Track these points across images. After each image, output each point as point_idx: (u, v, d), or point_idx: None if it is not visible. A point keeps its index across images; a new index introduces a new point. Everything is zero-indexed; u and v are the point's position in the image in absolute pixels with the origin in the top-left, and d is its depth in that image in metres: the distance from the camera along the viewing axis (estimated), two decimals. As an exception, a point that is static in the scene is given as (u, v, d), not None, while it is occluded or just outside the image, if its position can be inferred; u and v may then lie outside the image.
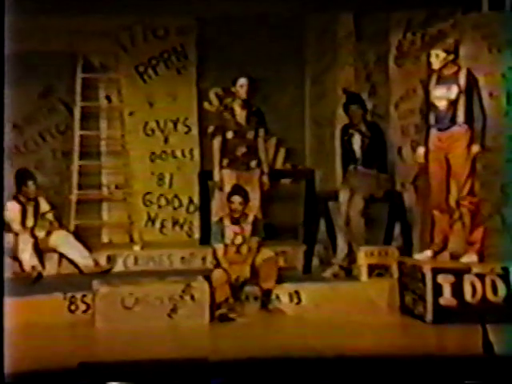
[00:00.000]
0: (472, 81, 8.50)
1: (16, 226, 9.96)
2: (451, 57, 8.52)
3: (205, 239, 10.35)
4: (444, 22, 9.27)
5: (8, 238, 9.97)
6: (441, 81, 8.56)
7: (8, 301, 8.73)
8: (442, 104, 8.54)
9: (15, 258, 9.87)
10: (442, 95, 8.53)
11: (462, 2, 9.19)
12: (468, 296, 8.44)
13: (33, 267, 9.78)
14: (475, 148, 8.45)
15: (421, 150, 8.80)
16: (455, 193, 8.72)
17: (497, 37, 8.93)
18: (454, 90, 8.47)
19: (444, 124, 8.57)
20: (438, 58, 8.55)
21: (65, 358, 7.09)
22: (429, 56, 8.65)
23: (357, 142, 9.70)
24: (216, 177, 10.08)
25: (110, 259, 10.27)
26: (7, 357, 7.28)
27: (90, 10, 9.89)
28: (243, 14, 10.29)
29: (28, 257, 9.82)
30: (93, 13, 10.07)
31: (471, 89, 8.45)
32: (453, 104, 8.50)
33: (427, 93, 8.66)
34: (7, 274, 9.85)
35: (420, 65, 9.43)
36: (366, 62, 10.39)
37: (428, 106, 8.65)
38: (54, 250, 10.08)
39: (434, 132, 8.63)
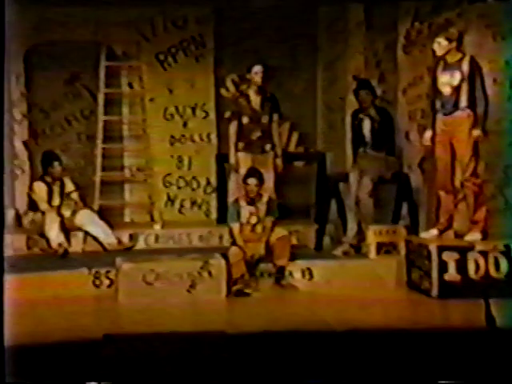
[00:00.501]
0: (475, 67, 8.45)
1: (43, 205, 10.00)
2: (453, 44, 8.49)
3: (222, 219, 10.36)
4: (450, 11, 9.22)
5: (36, 217, 10.05)
6: (446, 67, 8.54)
7: (36, 275, 8.87)
8: (446, 90, 8.53)
9: (42, 236, 9.92)
10: (446, 81, 8.52)
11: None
12: (472, 272, 8.41)
13: (59, 244, 9.81)
14: (476, 132, 8.42)
15: (428, 134, 8.79)
16: (459, 174, 8.69)
17: (501, 26, 8.88)
18: (457, 77, 8.45)
19: (448, 109, 8.55)
20: (440, 45, 8.53)
21: (90, 330, 7.13)
22: (433, 43, 8.65)
23: (366, 126, 9.68)
24: (232, 159, 10.06)
25: (132, 237, 10.30)
26: (35, 328, 7.33)
27: (114, 2, 9.90)
28: (259, 6, 10.27)
29: (55, 234, 9.84)
30: (116, 4, 10.09)
31: (474, 75, 8.42)
32: (456, 90, 8.48)
33: (434, 79, 8.64)
34: (36, 250, 10.02)
35: (427, 53, 9.35)
36: (376, 51, 10.36)
37: (435, 91, 8.63)
38: (80, 229, 10.11)
39: (439, 117, 8.63)
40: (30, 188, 10.30)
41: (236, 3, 10.18)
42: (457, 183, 8.70)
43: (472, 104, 8.43)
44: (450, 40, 8.48)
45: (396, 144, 9.92)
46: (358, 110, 9.81)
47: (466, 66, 8.45)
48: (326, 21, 11.02)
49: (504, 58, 8.96)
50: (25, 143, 10.86)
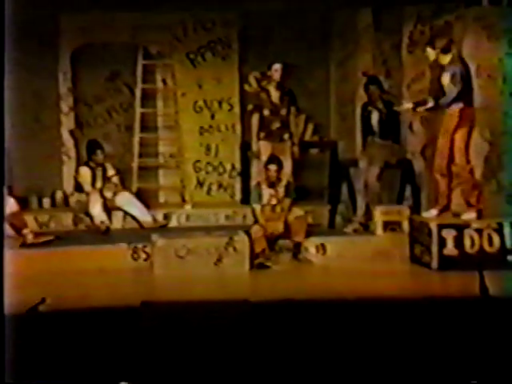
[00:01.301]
0: (463, 67, 8.50)
1: (87, 188, 10.02)
2: (437, 50, 8.52)
3: (245, 200, 10.38)
4: (449, 14, 9.16)
5: (81, 197, 10.10)
6: (443, 69, 8.57)
7: (80, 249, 8.92)
8: (444, 88, 8.57)
9: (87, 214, 9.96)
10: (442, 81, 8.54)
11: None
12: (468, 247, 8.40)
13: (102, 222, 9.84)
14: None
15: (408, 105, 8.93)
16: (458, 160, 8.67)
17: (495, 27, 8.81)
18: (446, 77, 8.47)
19: (447, 105, 8.58)
20: (428, 53, 8.61)
21: (129, 298, 7.17)
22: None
23: (374, 117, 9.65)
24: (254, 147, 10.08)
25: (166, 216, 10.31)
26: (81, 295, 7.37)
27: (150, 7, 9.89)
28: (278, 10, 10.24)
29: (98, 213, 9.87)
30: (152, 9, 10.08)
31: (463, 73, 8.45)
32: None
33: (439, 78, 8.67)
34: (81, 226, 10.07)
35: (428, 52, 9.35)
36: (383, 50, 10.29)
37: (441, 89, 8.65)
38: (119, 208, 10.14)
39: (445, 111, 8.65)
40: (76, 172, 10.34)
41: (258, 9, 10.14)
42: (453, 169, 8.68)
43: (463, 99, 8.45)
44: (433, 48, 8.54)
45: (401, 133, 9.89)
46: (366, 103, 9.78)
47: (452, 68, 8.49)
48: (339, 23, 10.96)
49: (497, 56, 8.89)
50: (71, 132, 10.90)
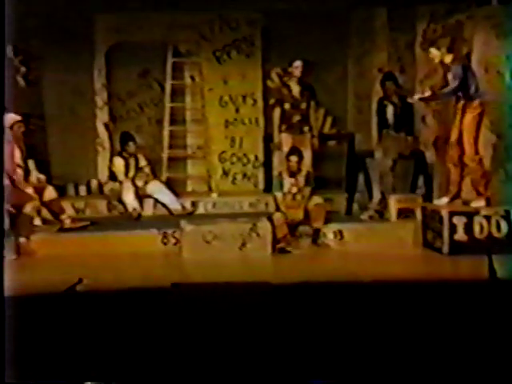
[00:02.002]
0: (465, 65, 8.51)
1: (120, 177, 10.07)
2: (443, 50, 8.50)
3: (267, 189, 10.40)
4: (461, 13, 9.12)
5: (114, 186, 10.14)
6: (448, 67, 8.55)
7: (114, 234, 8.96)
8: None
9: (120, 201, 10.01)
10: (448, 78, 8.51)
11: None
12: (477, 233, 8.42)
13: (134, 209, 9.88)
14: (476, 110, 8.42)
15: (416, 96, 8.94)
16: (468, 151, 8.64)
17: (503, 26, 8.76)
18: (450, 75, 8.44)
19: (455, 99, 8.56)
20: (432, 54, 8.60)
21: (160, 280, 7.21)
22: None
23: (389, 111, 9.63)
24: (276, 139, 10.05)
25: (194, 204, 10.34)
26: (116, 277, 7.41)
27: (179, 8, 9.90)
28: (299, 10, 10.22)
29: (130, 201, 9.91)
30: (180, 10, 10.08)
31: (466, 70, 8.41)
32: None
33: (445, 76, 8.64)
34: (115, 213, 10.11)
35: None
36: (397, 48, 10.25)
37: (446, 82, 8.62)
38: (150, 196, 10.17)
39: (455, 105, 8.63)
40: (111, 162, 10.38)
41: (281, 9, 10.12)
42: (464, 159, 8.66)
43: (467, 94, 8.43)
44: (438, 48, 8.52)
45: (414, 126, 9.85)
46: (382, 97, 9.76)
47: (455, 66, 8.46)
48: (356, 22, 10.91)
49: (505, 53, 8.85)
50: (105, 125, 10.93)
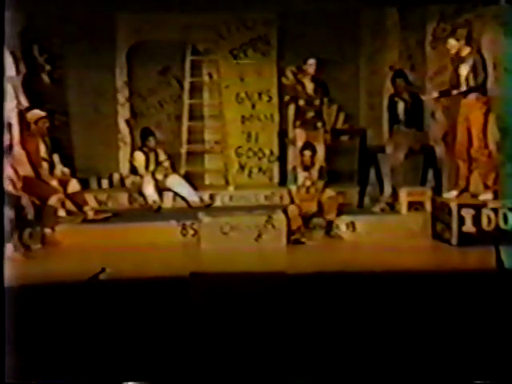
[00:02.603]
0: (479, 59, 8.45)
1: (141, 170, 10.07)
2: (462, 42, 8.48)
3: (282, 182, 10.37)
4: (469, 13, 9.04)
5: (135, 179, 10.15)
6: (462, 61, 8.51)
7: (135, 225, 8.97)
8: (462, 80, 8.48)
9: (141, 194, 10.01)
10: (461, 73, 8.46)
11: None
12: (485, 225, 8.39)
13: (154, 201, 9.87)
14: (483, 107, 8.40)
15: (434, 94, 8.99)
16: (476, 146, 8.61)
17: (511, 24, 8.70)
18: (466, 68, 8.41)
19: (464, 94, 8.51)
20: (451, 45, 8.55)
21: (179, 269, 7.20)
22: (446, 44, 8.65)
23: (400, 107, 9.59)
24: (291, 135, 10.06)
25: (211, 197, 10.31)
26: (137, 266, 7.42)
27: (197, 9, 9.87)
28: (312, 11, 10.16)
29: (150, 193, 9.90)
30: (198, 11, 10.05)
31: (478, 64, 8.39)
32: (467, 79, 8.45)
33: (456, 70, 8.60)
34: (135, 205, 10.11)
35: (449, 47, 9.24)
36: (408, 46, 10.18)
37: (456, 80, 8.58)
38: (170, 189, 10.16)
39: (462, 101, 8.57)
40: (132, 157, 10.40)
41: (295, 9, 10.08)
42: (472, 153, 8.61)
43: (479, 88, 8.42)
44: (457, 39, 8.46)
45: (424, 122, 9.80)
46: (393, 94, 9.72)
47: (471, 60, 8.43)
48: (368, 22, 10.83)
49: (512, 51, 8.82)
50: (127, 121, 10.91)
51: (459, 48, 8.50)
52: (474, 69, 8.37)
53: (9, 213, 8.16)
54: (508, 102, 8.67)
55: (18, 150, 9.15)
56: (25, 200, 8.60)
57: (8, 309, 5.64)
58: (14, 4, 7.06)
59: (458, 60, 8.55)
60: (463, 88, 8.51)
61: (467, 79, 8.48)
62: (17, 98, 9.47)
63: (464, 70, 8.46)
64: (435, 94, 8.96)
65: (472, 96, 8.44)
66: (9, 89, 9.33)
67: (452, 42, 8.56)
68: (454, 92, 8.65)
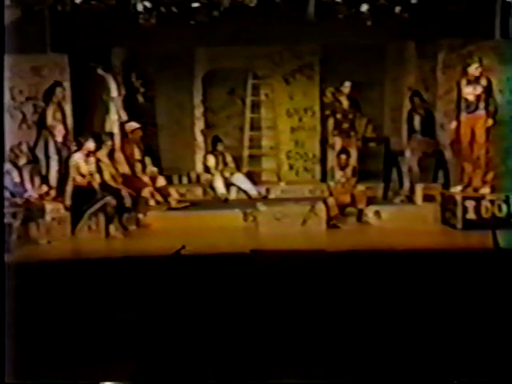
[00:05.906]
0: (488, 82, 8.45)
1: (212, 170, 10.16)
2: (477, 65, 8.50)
3: (323, 179, 10.36)
4: (472, 45, 8.96)
5: (207, 176, 10.23)
6: (469, 82, 8.46)
7: (207, 213, 9.06)
8: (470, 97, 8.40)
9: (212, 188, 10.09)
10: (469, 91, 8.39)
11: (483, 32, 8.85)
12: (484, 213, 8.35)
13: (222, 194, 9.97)
14: (489, 121, 8.38)
15: (453, 124, 8.78)
16: (477, 151, 8.54)
17: (505, 54, 8.61)
18: (479, 88, 8.32)
19: (471, 110, 8.42)
20: (475, 69, 8.53)
21: (241, 247, 7.29)
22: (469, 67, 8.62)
23: (416, 120, 9.56)
24: (330, 141, 10.09)
25: (267, 190, 10.34)
26: (210, 244, 7.49)
27: (256, 43, 9.84)
28: (348, 43, 10.08)
29: (219, 188, 9.99)
30: (258, 43, 10.05)
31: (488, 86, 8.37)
32: (477, 97, 8.37)
33: (459, 90, 8.52)
34: (208, 197, 10.19)
35: (456, 72, 9.15)
36: (423, 71, 10.05)
37: (460, 98, 8.51)
38: (234, 185, 10.20)
39: (463, 114, 8.53)
40: (205, 159, 10.50)
41: (334, 42, 9.99)
42: (475, 157, 8.54)
43: (486, 106, 8.38)
44: (481, 65, 8.49)
45: (435, 131, 9.71)
46: (411, 109, 9.71)
47: (484, 81, 8.37)
48: (391, 52, 10.67)
49: (506, 75, 8.70)
50: (202, 131, 10.97)
51: (477, 70, 8.45)
52: (486, 90, 8.35)
53: (111, 201, 8.37)
54: (502, 116, 8.59)
55: (118, 153, 9.35)
56: (124, 192, 8.80)
57: (111, 277, 5.81)
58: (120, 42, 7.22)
59: (467, 82, 8.46)
60: (473, 106, 8.45)
61: (478, 98, 8.44)
62: (118, 113, 9.65)
63: (477, 90, 8.41)
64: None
65: (479, 112, 8.42)
66: (112, 106, 9.57)
67: (476, 64, 8.51)
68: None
